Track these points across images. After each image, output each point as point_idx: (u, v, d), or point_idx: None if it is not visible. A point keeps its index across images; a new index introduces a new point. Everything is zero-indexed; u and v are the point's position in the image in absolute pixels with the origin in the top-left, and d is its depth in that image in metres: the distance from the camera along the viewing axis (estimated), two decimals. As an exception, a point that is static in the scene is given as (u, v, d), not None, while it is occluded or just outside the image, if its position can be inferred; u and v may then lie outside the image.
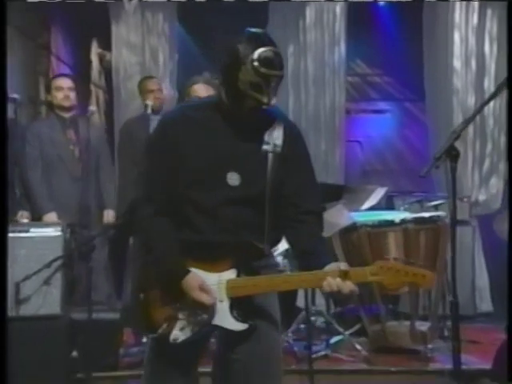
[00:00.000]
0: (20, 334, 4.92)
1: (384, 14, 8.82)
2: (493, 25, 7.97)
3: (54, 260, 5.09)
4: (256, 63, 2.82)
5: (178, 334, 2.90)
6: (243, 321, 2.86)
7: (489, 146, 7.98)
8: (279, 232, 3.04)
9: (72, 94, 6.20)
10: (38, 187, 6.03)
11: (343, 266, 2.79)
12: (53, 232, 5.26)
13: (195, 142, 2.96)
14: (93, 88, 9.15)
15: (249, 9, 7.79)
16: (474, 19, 7.95)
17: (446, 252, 5.93)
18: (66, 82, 6.25)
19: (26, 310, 5.06)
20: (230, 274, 2.88)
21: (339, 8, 8.08)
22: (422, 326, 5.96)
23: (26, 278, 5.02)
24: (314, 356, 5.37)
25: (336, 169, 8.19)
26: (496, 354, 4.48)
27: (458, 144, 8.22)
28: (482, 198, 7.79)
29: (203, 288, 2.84)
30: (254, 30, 2.97)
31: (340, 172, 8.24)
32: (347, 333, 6.06)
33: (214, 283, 2.88)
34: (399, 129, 9.71)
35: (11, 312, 4.94)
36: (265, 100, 2.87)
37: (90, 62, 9.15)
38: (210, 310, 2.87)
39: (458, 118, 7.80)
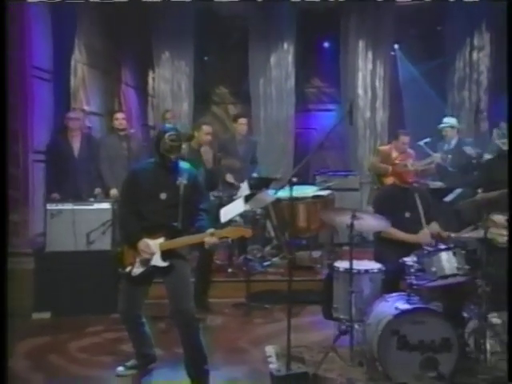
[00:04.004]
0: (89, 260, 5.43)
1: (326, 53, 9.39)
2: (381, 69, 8.25)
3: (107, 221, 5.51)
4: (167, 140, 3.76)
5: (136, 270, 3.79)
6: (166, 261, 3.74)
7: (378, 141, 8.30)
8: (188, 219, 3.84)
9: (123, 122, 6.33)
10: (106, 173, 6.20)
11: (212, 230, 3.71)
12: (105, 205, 5.59)
13: (146, 179, 3.85)
14: (149, 98, 9.76)
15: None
16: (370, 65, 8.22)
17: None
18: (120, 115, 6.45)
19: (94, 247, 5.48)
20: (161, 240, 3.74)
21: (291, 57, 8.39)
22: (316, 254, 6.42)
23: (92, 231, 5.47)
24: (253, 272, 5.88)
25: (289, 151, 8.57)
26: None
27: (361, 140, 8.64)
28: (372, 172, 8.19)
29: (147, 246, 3.74)
30: (168, 125, 4.10)
31: (291, 153, 8.58)
32: (274, 259, 6.46)
33: (153, 244, 3.74)
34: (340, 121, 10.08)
35: (85, 248, 5.48)
36: (172, 157, 3.78)
37: (147, 82, 9.60)
38: (150, 257, 3.74)
39: (361, 124, 8.29)
